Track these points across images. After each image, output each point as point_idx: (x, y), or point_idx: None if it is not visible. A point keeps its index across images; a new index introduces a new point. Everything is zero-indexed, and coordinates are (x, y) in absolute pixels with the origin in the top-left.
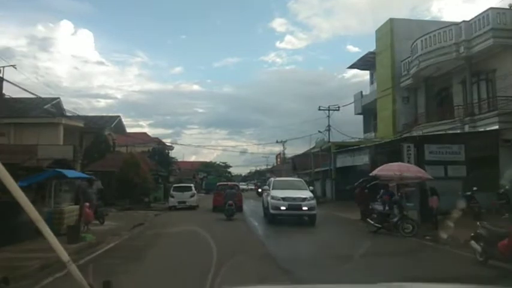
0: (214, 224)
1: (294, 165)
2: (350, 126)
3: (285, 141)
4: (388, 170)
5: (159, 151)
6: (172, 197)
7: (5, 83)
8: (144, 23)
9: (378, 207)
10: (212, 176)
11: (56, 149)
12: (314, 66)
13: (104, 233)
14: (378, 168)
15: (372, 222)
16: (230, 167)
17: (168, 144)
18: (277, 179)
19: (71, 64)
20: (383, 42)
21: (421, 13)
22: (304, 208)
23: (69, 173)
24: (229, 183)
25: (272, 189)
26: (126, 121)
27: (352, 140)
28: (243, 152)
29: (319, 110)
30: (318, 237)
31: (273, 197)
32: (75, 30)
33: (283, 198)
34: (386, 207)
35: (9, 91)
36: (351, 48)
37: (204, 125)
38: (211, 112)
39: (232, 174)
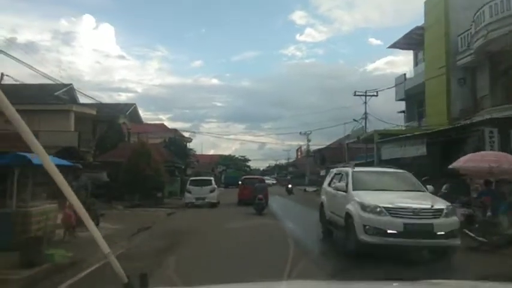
0: (249, 231)
1: (323, 158)
2: (386, 115)
3: (310, 133)
4: (480, 160)
5: (175, 141)
6: (189, 192)
7: (20, 68)
8: (164, 16)
9: (480, 213)
10: (232, 170)
11: (60, 136)
12: (334, 59)
13: (89, 244)
14: (462, 160)
15: (473, 235)
16: (249, 160)
17: (186, 135)
18: (360, 170)
19: (93, 58)
20: (434, 15)
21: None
22: (439, 233)
23: (39, 159)
24: (257, 177)
25: (353, 188)
26: (145, 115)
27: (397, 128)
28: (262, 146)
29: (355, 95)
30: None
31: (363, 206)
32: (96, 24)
33: (392, 211)
34: (488, 213)
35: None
36: (373, 41)
37: (223, 119)
38: (229, 106)
39: (251, 168)
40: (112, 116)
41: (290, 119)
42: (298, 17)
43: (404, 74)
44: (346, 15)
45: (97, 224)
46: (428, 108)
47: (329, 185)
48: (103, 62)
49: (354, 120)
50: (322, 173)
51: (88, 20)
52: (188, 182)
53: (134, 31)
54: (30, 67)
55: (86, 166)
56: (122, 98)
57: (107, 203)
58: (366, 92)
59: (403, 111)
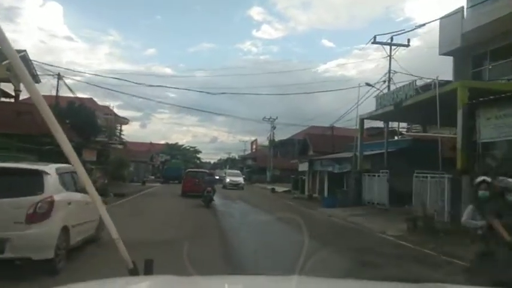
0: None
1: (304, 145)
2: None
3: (275, 119)
4: None
5: (79, 111)
6: None
7: None
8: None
9: None
10: (176, 160)
11: None
12: (288, 57)
13: None
14: None
15: None
16: (200, 152)
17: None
18: None
19: (38, 37)
20: None
21: (394, 13)
22: None
23: None
24: (206, 170)
25: None
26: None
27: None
28: (214, 139)
29: (374, 43)
30: None
31: None
32: (43, 1)
33: None
34: None
35: None
36: (326, 42)
37: (175, 110)
38: (183, 97)
39: (202, 160)
40: None
41: (244, 113)
42: (256, 12)
43: (462, 7)
44: (302, 15)
45: None
46: None
47: None
48: (48, 42)
49: (368, 84)
50: (302, 167)
51: None
52: None
53: (85, 13)
54: None
55: None
56: (68, 81)
57: None
58: (391, 40)
59: None
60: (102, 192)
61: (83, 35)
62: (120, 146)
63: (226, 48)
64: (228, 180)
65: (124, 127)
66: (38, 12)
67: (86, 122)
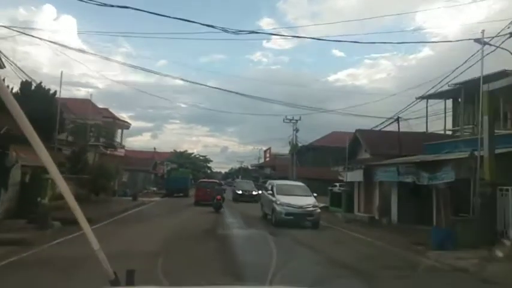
0: None
1: (353, 149)
2: None
3: (298, 120)
4: None
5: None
6: None
7: None
8: (130, 12)
9: None
10: (183, 169)
11: None
12: (299, 67)
13: None
14: None
15: None
16: (211, 161)
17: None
18: None
19: (52, 50)
20: None
21: (406, 22)
22: None
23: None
24: (217, 181)
25: None
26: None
27: None
28: (224, 149)
29: None
30: None
31: None
32: (58, 15)
33: None
34: None
35: None
36: (336, 52)
37: (186, 121)
38: (194, 107)
39: (213, 170)
40: None
41: (254, 123)
42: (266, 23)
43: None
44: (312, 25)
45: None
46: None
47: None
48: (63, 55)
49: (478, 41)
50: (352, 177)
51: (49, 10)
52: None
53: (98, 25)
54: None
55: None
56: (81, 93)
57: None
58: None
59: None
60: (40, 219)
61: (96, 47)
62: (104, 150)
63: (237, 58)
64: (239, 191)
65: (135, 138)
66: (52, 25)
67: (44, 112)
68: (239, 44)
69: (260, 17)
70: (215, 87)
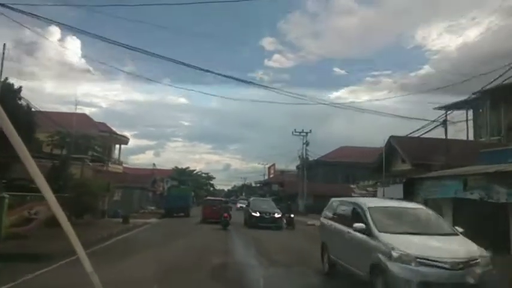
0: None
1: (387, 159)
2: None
3: (307, 133)
4: None
5: None
6: None
7: None
8: (133, 31)
9: None
10: (185, 186)
11: None
12: (300, 85)
13: None
14: None
15: None
16: (213, 178)
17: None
18: None
19: (56, 70)
20: None
21: (405, 40)
22: None
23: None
24: (222, 198)
25: None
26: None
27: None
28: (227, 166)
29: None
30: None
31: None
32: (62, 36)
33: None
34: None
35: None
36: (338, 71)
37: (189, 139)
38: (196, 125)
39: (216, 188)
40: None
41: (256, 141)
42: (268, 42)
43: None
44: (313, 44)
45: None
46: None
47: None
48: (67, 75)
49: None
50: (388, 194)
51: (54, 31)
52: None
53: (101, 45)
54: None
55: None
56: (85, 112)
57: None
58: None
59: None
60: None
61: (100, 67)
62: (90, 164)
63: (239, 76)
64: (255, 213)
65: (138, 156)
66: (57, 46)
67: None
68: (241, 62)
69: (262, 36)
70: (217, 95)
